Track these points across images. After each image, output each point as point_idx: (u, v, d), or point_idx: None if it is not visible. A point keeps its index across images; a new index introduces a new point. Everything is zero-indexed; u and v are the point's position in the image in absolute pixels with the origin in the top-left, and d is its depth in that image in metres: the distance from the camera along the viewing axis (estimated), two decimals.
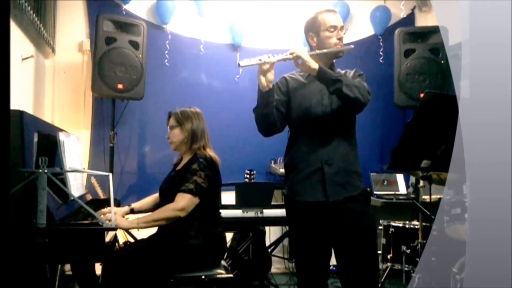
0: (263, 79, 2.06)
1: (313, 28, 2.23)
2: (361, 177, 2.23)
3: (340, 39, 2.20)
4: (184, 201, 2.37)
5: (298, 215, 2.21)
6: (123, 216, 2.56)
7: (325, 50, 2.17)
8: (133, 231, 3.39)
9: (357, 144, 2.25)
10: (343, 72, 2.26)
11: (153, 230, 2.57)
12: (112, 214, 2.07)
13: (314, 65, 2.05)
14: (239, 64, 2.04)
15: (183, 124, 2.56)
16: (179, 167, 2.59)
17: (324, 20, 2.20)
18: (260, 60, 2.04)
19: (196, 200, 2.40)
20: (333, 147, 2.16)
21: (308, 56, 2.06)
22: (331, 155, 2.15)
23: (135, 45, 3.73)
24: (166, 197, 2.48)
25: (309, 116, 2.18)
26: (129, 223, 2.34)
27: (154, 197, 2.74)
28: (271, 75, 2.07)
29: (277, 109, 2.16)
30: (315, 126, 2.18)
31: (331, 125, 2.17)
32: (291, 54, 2.07)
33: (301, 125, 2.20)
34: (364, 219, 2.16)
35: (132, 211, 2.66)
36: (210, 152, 2.55)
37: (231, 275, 2.48)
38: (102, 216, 2.40)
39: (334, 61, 2.27)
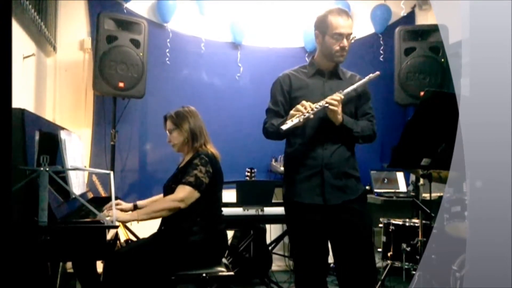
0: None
1: (320, 28, 2.22)
2: (359, 181, 2.26)
3: (343, 48, 2.17)
4: (183, 193, 2.38)
5: (297, 214, 2.22)
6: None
7: (355, 86, 2.17)
8: (135, 230, 3.42)
9: (354, 149, 2.29)
10: (349, 75, 2.28)
11: (155, 228, 2.58)
12: (114, 211, 2.07)
13: (341, 119, 2.11)
14: (281, 129, 2.05)
15: (180, 126, 2.57)
16: (181, 164, 2.61)
17: (332, 24, 2.16)
18: (300, 121, 2.03)
19: (196, 194, 2.40)
20: (332, 151, 2.18)
21: (341, 110, 2.11)
22: (331, 159, 2.17)
23: (136, 43, 3.73)
24: (168, 192, 2.49)
25: (310, 120, 2.17)
26: (130, 216, 2.37)
27: (159, 197, 2.73)
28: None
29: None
30: (315, 129, 2.18)
31: (331, 130, 2.17)
32: (327, 104, 2.08)
33: (301, 127, 2.17)
34: (362, 218, 2.19)
35: (135, 208, 2.66)
36: (211, 149, 2.57)
37: (231, 273, 2.49)
38: (105, 211, 2.41)
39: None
